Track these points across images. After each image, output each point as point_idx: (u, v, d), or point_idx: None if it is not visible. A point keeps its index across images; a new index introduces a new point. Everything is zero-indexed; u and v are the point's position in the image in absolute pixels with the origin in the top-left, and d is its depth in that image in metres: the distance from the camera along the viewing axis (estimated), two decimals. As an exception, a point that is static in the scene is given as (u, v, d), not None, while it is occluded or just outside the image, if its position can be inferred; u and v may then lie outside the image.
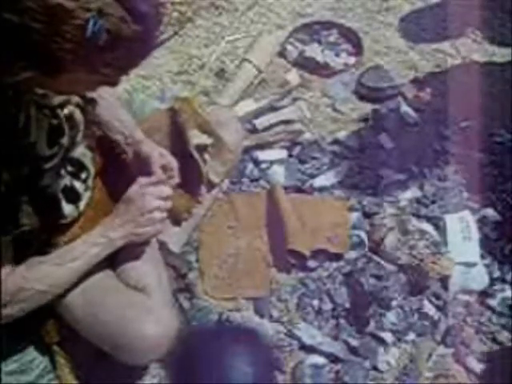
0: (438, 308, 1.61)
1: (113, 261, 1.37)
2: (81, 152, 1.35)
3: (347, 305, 1.61)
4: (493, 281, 1.65)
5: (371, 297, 1.60)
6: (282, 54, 2.22)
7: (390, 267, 1.66)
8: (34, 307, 1.23)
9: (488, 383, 1.51)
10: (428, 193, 1.82)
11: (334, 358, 1.53)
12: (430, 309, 1.61)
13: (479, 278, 1.65)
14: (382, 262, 1.67)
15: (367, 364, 1.53)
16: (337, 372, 1.52)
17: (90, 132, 1.37)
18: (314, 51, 2.19)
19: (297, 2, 2.41)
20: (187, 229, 1.66)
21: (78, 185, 1.35)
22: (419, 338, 1.57)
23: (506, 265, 1.67)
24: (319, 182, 1.85)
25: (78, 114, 1.29)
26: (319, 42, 2.24)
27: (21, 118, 1.12)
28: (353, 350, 1.54)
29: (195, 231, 1.73)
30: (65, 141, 1.25)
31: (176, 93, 2.07)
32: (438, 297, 1.62)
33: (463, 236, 1.71)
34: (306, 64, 2.18)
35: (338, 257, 1.69)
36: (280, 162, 1.90)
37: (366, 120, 2.03)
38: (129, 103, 1.77)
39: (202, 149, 1.56)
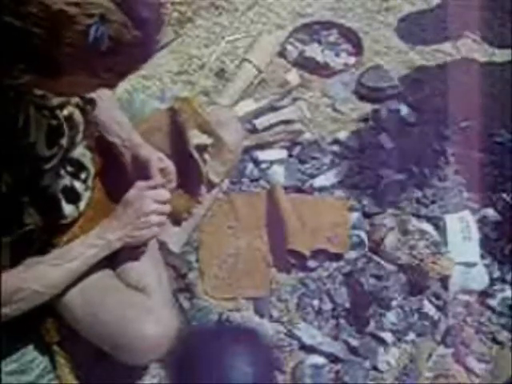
0: (438, 308, 1.61)
1: (113, 261, 1.37)
2: (80, 152, 1.35)
3: (347, 305, 1.61)
4: (493, 281, 1.65)
5: (371, 297, 1.60)
6: (282, 53, 2.22)
7: (390, 267, 1.66)
8: (31, 307, 1.24)
9: (488, 383, 1.51)
10: (428, 193, 1.82)
11: (334, 358, 1.53)
12: (430, 309, 1.61)
13: (479, 277, 1.65)
14: (382, 262, 1.67)
15: (367, 364, 1.53)
16: (337, 372, 1.52)
17: (90, 132, 1.37)
18: (314, 51, 2.19)
19: (297, 1, 2.41)
20: (187, 229, 1.66)
21: (77, 185, 1.35)
22: (419, 338, 1.57)
23: (506, 265, 1.67)
24: (319, 182, 1.85)
25: (77, 115, 1.30)
26: (319, 42, 2.24)
27: (20, 119, 1.12)
28: (353, 350, 1.54)
29: (195, 231, 1.72)
30: (64, 141, 1.25)
31: (176, 93, 2.07)
32: (438, 297, 1.62)
33: (463, 236, 1.71)
34: (306, 64, 2.18)
35: (338, 257, 1.69)
36: (280, 162, 1.90)
37: (366, 120, 2.03)
38: (129, 103, 1.77)
39: (201, 149, 1.56)
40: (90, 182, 1.38)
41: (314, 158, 1.91)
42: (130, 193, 1.32)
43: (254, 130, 1.95)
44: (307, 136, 1.98)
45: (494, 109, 2.02)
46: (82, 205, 1.36)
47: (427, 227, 1.74)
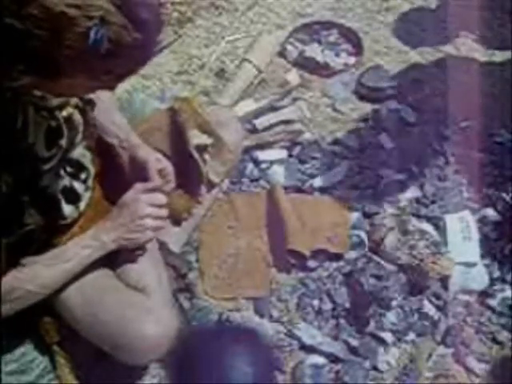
0: (438, 308, 1.61)
1: (113, 261, 1.37)
2: (80, 153, 1.35)
3: (347, 305, 1.60)
4: (493, 281, 1.65)
5: (371, 297, 1.60)
6: (282, 53, 2.22)
7: (390, 267, 1.66)
8: (25, 307, 1.24)
9: (488, 383, 1.51)
10: (428, 193, 1.82)
11: (334, 358, 1.53)
12: (430, 309, 1.61)
13: (479, 277, 1.65)
14: (382, 262, 1.67)
15: (367, 364, 1.53)
16: (337, 372, 1.52)
17: (90, 133, 1.37)
18: (314, 51, 2.19)
19: (297, 1, 2.41)
20: (187, 229, 1.66)
21: (77, 185, 1.35)
22: (419, 337, 1.57)
23: (506, 265, 1.67)
24: (319, 182, 1.85)
25: (76, 116, 1.30)
26: (319, 42, 2.24)
27: (19, 120, 1.12)
28: (353, 350, 1.54)
29: (195, 231, 1.72)
30: (63, 142, 1.25)
31: (176, 93, 2.07)
32: (438, 297, 1.62)
33: (463, 236, 1.71)
34: (306, 64, 2.18)
35: (338, 257, 1.69)
36: (280, 161, 1.90)
37: (366, 120, 2.03)
38: (129, 103, 1.77)
39: (201, 149, 1.56)
40: (89, 183, 1.38)
41: (313, 158, 1.91)
42: (126, 195, 1.32)
43: (254, 130, 1.96)
44: (307, 136, 1.98)
45: (494, 109, 2.02)
46: (82, 205, 1.36)
47: (427, 227, 1.74)
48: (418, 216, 1.77)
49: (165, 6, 2.08)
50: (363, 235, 1.73)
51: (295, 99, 2.07)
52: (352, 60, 2.20)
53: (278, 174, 1.87)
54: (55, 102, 1.20)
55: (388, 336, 1.56)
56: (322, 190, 1.84)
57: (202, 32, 2.31)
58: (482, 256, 1.68)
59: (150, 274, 1.38)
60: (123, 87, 1.96)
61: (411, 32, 2.31)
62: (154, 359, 1.35)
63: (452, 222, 1.74)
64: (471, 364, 1.53)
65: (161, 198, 1.35)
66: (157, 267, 1.43)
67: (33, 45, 0.91)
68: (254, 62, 2.12)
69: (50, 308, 1.34)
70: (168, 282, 1.45)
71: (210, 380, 0.98)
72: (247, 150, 1.89)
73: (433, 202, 1.80)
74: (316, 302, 1.63)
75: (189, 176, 1.54)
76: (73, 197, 1.33)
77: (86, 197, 1.37)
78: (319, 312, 1.61)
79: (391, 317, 1.59)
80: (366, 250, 1.71)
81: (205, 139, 1.57)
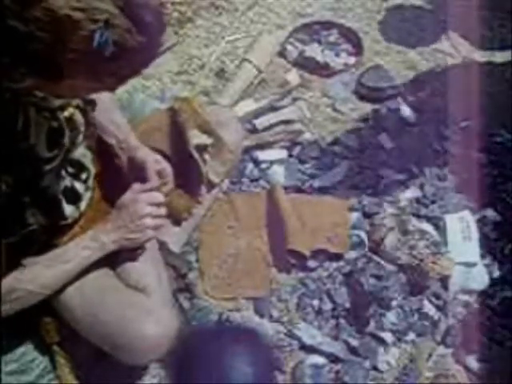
0: (438, 308, 1.61)
1: (113, 261, 1.37)
2: (81, 153, 1.35)
3: (347, 305, 1.61)
4: (493, 281, 1.65)
5: (371, 297, 1.60)
6: (282, 53, 2.22)
7: (390, 267, 1.66)
8: (25, 307, 1.24)
9: (488, 383, 1.51)
10: (428, 193, 1.82)
11: (334, 358, 1.53)
12: (430, 309, 1.61)
13: (479, 277, 1.65)
14: (382, 262, 1.67)
15: (367, 364, 1.53)
16: (337, 372, 1.52)
17: (90, 133, 1.37)
18: (314, 51, 2.19)
19: (297, 1, 2.41)
20: (187, 229, 1.66)
21: (78, 185, 1.35)
22: (419, 337, 1.57)
23: (505, 265, 1.67)
24: (319, 182, 1.85)
25: (78, 116, 1.30)
26: (319, 42, 2.24)
27: (20, 121, 1.12)
28: (353, 350, 1.54)
29: (195, 231, 1.73)
30: (65, 143, 1.25)
31: (176, 93, 2.07)
32: (438, 297, 1.62)
33: (463, 236, 1.71)
34: (306, 64, 2.18)
35: (338, 257, 1.69)
36: (280, 162, 1.90)
37: (366, 120, 2.03)
38: (129, 103, 1.77)
39: (201, 149, 1.56)
40: (90, 183, 1.38)
41: (313, 158, 1.91)
42: (125, 196, 1.33)
43: (254, 130, 1.96)
44: (307, 136, 1.98)
45: (494, 109, 2.02)
46: (83, 205, 1.36)
47: (427, 227, 1.74)
48: (418, 216, 1.77)
49: (165, 6, 2.08)
50: (363, 235, 1.73)
51: (295, 99, 2.07)
52: (352, 60, 2.20)
53: (278, 174, 1.87)
54: (56, 102, 1.21)
55: (388, 336, 1.56)
56: (322, 189, 1.84)
57: (202, 32, 2.31)
58: (482, 256, 1.69)
59: (150, 274, 1.38)
60: (123, 87, 1.96)
61: (411, 32, 2.31)
62: (154, 359, 1.35)
63: (452, 222, 1.74)
64: (471, 364, 1.53)
65: (159, 197, 1.35)
66: (157, 267, 1.43)
67: (36, 47, 0.91)
68: (254, 62, 2.12)
69: (50, 308, 1.34)
70: (168, 281, 1.45)
71: (210, 380, 0.98)
72: (247, 150, 1.89)
73: (433, 202, 1.80)
74: (316, 302, 1.63)
75: (189, 176, 1.54)
76: (74, 197, 1.34)
77: (86, 197, 1.37)
78: (319, 312, 1.61)
79: (391, 317, 1.59)
80: (366, 250, 1.71)
81: (205, 139, 1.57)
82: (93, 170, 1.39)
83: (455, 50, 2.25)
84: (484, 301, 1.63)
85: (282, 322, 1.60)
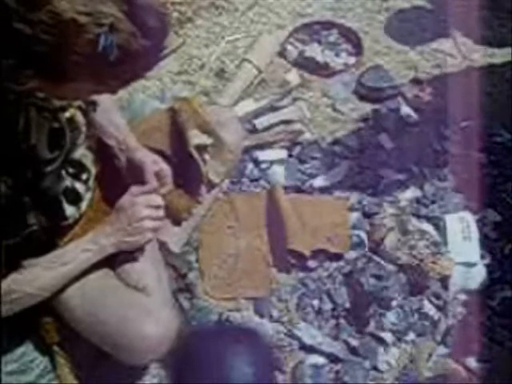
0: (438, 308, 1.61)
1: (113, 261, 1.37)
2: (82, 153, 1.35)
3: (347, 305, 1.61)
4: (493, 281, 1.65)
5: (371, 297, 1.60)
6: (281, 54, 2.22)
7: (390, 267, 1.66)
8: (23, 309, 1.24)
9: (488, 383, 1.51)
10: (428, 193, 1.82)
11: (334, 358, 1.53)
12: (430, 309, 1.61)
13: (479, 277, 1.65)
14: (382, 262, 1.67)
15: (367, 364, 1.53)
16: (337, 372, 1.52)
17: (91, 133, 1.37)
18: (314, 51, 2.19)
19: (297, 1, 2.41)
20: (187, 229, 1.66)
21: (78, 186, 1.35)
22: (419, 338, 1.57)
23: (505, 265, 1.67)
24: (319, 182, 1.85)
25: (79, 117, 1.30)
26: (319, 42, 2.24)
27: (21, 122, 1.12)
28: (353, 350, 1.54)
29: (195, 231, 1.73)
30: (66, 144, 1.25)
31: (176, 93, 2.07)
32: (438, 297, 1.62)
33: (463, 236, 1.71)
34: (305, 64, 2.18)
35: (337, 257, 1.69)
36: (280, 162, 1.90)
37: (366, 120, 2.03)
38: (129, 103, 1.76)
39: (201, 149, 1.56)
40: (90, 183, 1.38)
41: (313, 158, 1.91)
42: (123, 198, 1.33)
43: (253, 130, 1.96)
44: (307, 136, 1.98)
45: (493, 109, 2.02)
46: (84, 206, 1.36)
47: (427, 227, 1.74)
48: (418, 216, 1.77)
49: (165, 6, 2.08)
50: (363, 235, 1.73)
51: (295, 99, 2.07)
52: (352, 60, 2.20)
53: (278, 174, 1.87)
54: (58, 103, 1.21)
55: (388, 336, 1.56)
56: (322, 189, 1.84)
57: (202, 32, 2.31)
58: (482, 256, 1.69)
59: (150, 274, 1.38)
60: (123, 87, 1.96)
61: (411, 32, 2.31)
62: (153, 359, 1.35)
63: (452, 222, 1.74)
64: (471, 364, 1.53)
65: (157, 199, 1.35)
66: (157, 267, 1.43)
67: (41, 50, 0.91)
68: (254, 62, 2.12)
69: (50, 308, 1.34)
70: (168, 282, 1.45)
71: (210, 380, 0.98)
72: (247, 150, 1.89)
73: (433, 202, 1.80)
74: (316, 302, 1.63)
75: (189, 176, 1.54)
76: (74, 197, 1.34)
77: (86, 197, 1.37)
78: (319, 312, 1.61)
79: (391, 317, 1.59)
80: (366, 250, 1.71)
81: (205, 139, 1.57)
82: (93, 170, 1.39)
83: (456, 49, 2.24)
84: (484, 301, 1.63)
85: (282, 321, 1.60)
